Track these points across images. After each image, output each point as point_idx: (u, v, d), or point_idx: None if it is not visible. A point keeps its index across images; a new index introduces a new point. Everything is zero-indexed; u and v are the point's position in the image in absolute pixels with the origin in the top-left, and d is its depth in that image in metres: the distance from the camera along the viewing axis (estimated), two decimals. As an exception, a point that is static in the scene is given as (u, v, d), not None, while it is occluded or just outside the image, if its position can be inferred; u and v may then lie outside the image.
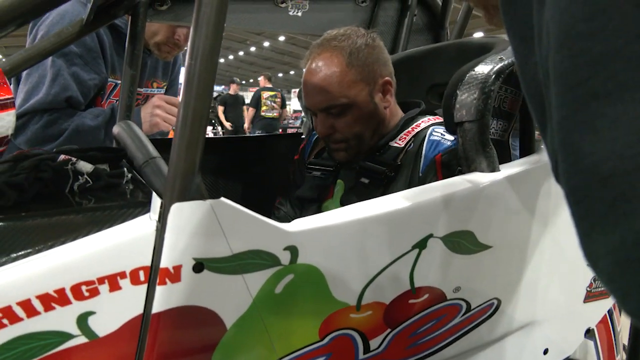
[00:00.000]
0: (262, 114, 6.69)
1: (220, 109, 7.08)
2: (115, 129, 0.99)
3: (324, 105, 0.96)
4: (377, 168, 0.96)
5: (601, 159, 0.24)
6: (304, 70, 1.00)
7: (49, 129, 1.25)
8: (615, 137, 0.23)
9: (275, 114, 6.79)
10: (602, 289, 0.97)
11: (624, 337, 1.15)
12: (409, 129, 1.00)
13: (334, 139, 0.99)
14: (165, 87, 1.57)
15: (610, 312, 1.06)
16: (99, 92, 1.35)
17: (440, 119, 1.01)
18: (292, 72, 28.31)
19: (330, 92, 0.94)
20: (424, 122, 1.00)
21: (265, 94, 6.74)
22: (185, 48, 1.37)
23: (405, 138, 0.99)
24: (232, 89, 7.36)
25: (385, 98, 0.99)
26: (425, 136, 0.95)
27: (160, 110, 1.28)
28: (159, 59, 1.45)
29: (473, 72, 0.80)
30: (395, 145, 0.99)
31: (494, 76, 0.78)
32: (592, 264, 0.26)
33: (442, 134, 0.94)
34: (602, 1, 0.24)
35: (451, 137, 0.92)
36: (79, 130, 1.26)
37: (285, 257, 0.61)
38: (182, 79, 1.36)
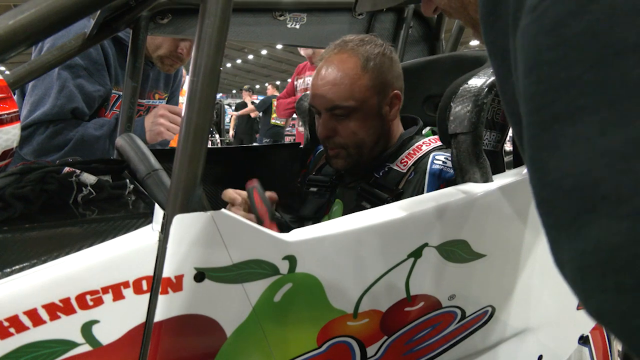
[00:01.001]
0: (272, 121, 6.69)
1: (234, 115, 7.24)
2: (118, 142, 1.00)
3: (330, 105, 0.93)
4: (379, 194, 0.94)
5: (564, 174, 0.26)
6: (316, 67, 0.97)
7: (54, 139, 1.26)
8: (575, 154, 0.25)
9: (282, 122, 6.84)
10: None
11: (618, 343, 1.16)
12: (410, 150, 0.97)
13: (334, 143, 0.96)
14: (166, 98, 1.59)
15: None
16: (102, 103, 1.37)
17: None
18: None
19: (340, 92, 0.92)
20: (425, 144, 0.98)
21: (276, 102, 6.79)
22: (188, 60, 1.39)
23: (407, 162, 0.96)
24: (244, 97, 7.46)
25: (392, 112, 0.97)
26: (426, 167, 0.91)
27: (164, 120, 1.30)
28: (161, 71, 1.47)
29: (466, 85, 0.81)
30: (397, 169, 0.96)
31: (486, 89, 0.80)
32: (560, 270, 0.28)
33: (443, 161, 0.90)
34: (563, 33, 0.26)
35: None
36: (84, 140, 1.27)
37: (284, 267, 0.62)
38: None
